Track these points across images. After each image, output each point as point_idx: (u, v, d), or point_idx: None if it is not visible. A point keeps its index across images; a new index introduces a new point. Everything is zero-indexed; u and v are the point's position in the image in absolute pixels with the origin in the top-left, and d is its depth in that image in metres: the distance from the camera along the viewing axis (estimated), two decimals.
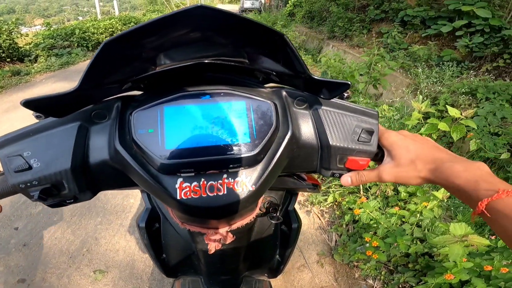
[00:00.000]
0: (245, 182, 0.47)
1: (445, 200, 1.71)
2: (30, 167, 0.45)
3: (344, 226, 2.14)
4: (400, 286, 1.65)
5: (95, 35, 8.98)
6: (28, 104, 0.38)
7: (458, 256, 1.23)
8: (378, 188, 2.12)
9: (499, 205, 0.39)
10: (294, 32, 8.69)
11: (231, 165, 0.47)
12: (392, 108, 2.89)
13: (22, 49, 7.53)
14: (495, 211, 0.39)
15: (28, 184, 0.46)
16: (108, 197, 2.57)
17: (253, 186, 0.48)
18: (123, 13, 13.85)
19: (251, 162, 0.47)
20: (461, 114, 1.85)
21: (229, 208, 0.48)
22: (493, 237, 1.44)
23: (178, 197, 0.46)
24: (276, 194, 0.85)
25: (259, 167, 0.48)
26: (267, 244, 0.90)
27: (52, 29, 8.35)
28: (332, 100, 0.55)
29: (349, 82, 0.46)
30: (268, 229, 0.87)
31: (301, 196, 2.56)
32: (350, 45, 6.58)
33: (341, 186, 2.41)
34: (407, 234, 1.62)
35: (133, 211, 2.44)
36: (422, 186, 2.03)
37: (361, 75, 3.40)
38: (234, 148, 0.47)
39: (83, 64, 7.55)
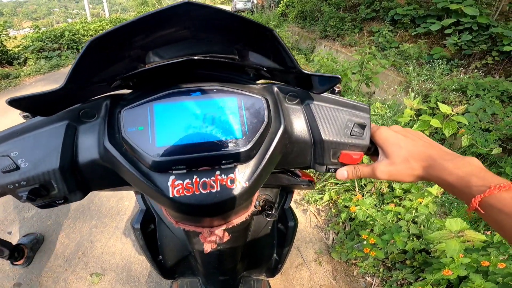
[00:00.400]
0: (238, 178, 0.47)
1: (439, 196, 1.73)
2: (17, 167, 0.44)
3: (340, 224, 2.15)
4: (399, 283, 1.67)
5: (85, 37, 8.87)
6: (14, 102, 0.38)
7: (455, 251, 1.25)
8: (374, 186, 2.14)
9: (492, 200, 0.39)
10: (286, 32, 8.71)
11: (223, 161, 0.46)
12: (384, 105, 2.92)
13: (11, 52, 7.41)
14: (489, 207, 0.39)
15: (16, 184, 0.45)
16: (102, 200, 2.54)
17: (247, 182, 0.47)
18: (114, 15, 13.73)
19: (244, 158, 0.47)
20: (452, 111, 1.87)
21: (222, 205, 0.48)
22: (488, 232, 1.46)
23: (170, 195, 0.45)
24: (271, 192, 0.85)
25: (252, 163, 0.48)
26: (264, 243, 0.90)
27: (41, 31, 8.22)
28: (323, 95, 0.55)
29: (339, 76, 0.46)
30: (264, 228, 0.86)
31: (297, 195, 2.57)
32: (342, 44, 6.62)
33: (336, 184, 2.42)
34: (404, 231, 1.63)
35: (128, 214, 2.42)
36: (416, 183, 2.05)
37: (353, 73, 3.43)
38: (226, 144, 0.46)
39: None
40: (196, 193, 0.46)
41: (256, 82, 0.56)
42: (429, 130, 1.98)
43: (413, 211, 1.72)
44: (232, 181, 0.47)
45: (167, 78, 0.52)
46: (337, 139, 0.53)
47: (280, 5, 11.74)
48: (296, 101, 0.55)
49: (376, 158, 0.59)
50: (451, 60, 4.40)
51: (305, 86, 0.53)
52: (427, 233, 1.60)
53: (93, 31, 9.31)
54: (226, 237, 0.63)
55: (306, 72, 0.46)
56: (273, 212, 0.76)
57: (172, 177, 0.46)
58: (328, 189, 2.39)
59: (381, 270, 1.78)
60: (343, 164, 0.56)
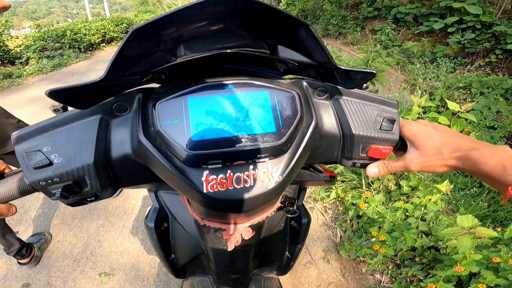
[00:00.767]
0: (271, 172, 0.47)
1: (449, 193, 1.73)
2: (50, 163, 0.43)
3: (348, 221, 2.16)
4: (408, 280, 1.67)
5: (87, 36, 8.86)
6: (53, 93, 0.37)
7: (467, 248, 1.25)
8: (381, 183, 2.14)
9: None
10: None
11: (258, 155, 0.46)
12: None
13: (13, 51, 7.40)
14: None
15: (49, 181, 0.44)
16: (109, 199, 2.54)
17: (280, 177, 0.47)
18: (114, 14, 13.71)
19: (278, 152, 0.47)
20: (460, 108, 1.88)
21: (255, 200, 0.47)
22: (498, 229, 1.46)
23: (204, 191, 0.45)
24: (290, 188, 0.85)
25: (285, 157, 0.48)
26: (277, 241, 0.89)
27: (42, 31, 8.22)
28: (351, 90, 0.55)
29: (375, 72, 0.47)
30: (277, 225, 0.86)
31: None
32: (344, 43, 6.62)
33: (343, 181, 2.42)
34: (413, 228, 1.64)
35: (135, 213, 2.42)
36: (424, 180, 2.05)
37: None
38: (261, 138, 0.46)
39: (76, 66, 7.45)
40: (230, 188, 0.45)
41: (283, 77, 0.56)
42: None
43: (422, 208, 1.72)
44: (266, 176, 0.46)
45: (196, 72, 0.52)
46: (367, 134, 0.53)
47: (281, 3, 11.71)
48: (325, 96, 0.55)
49: (401, 153, 0.59)
50: (455, 58, 4.40)
51: (333, 81, 0.53)
52: (437, 230, 1.61)
53: (95, 30, 9.30)
54: (250, 233, 0.63)
55: (342, 67, 0.46)
56: (294, 208, 0.76)
57: (206, 172, 0.45)
58: (335, 187, 2.39)
59: (390, 267, 1.78)
60: (371, 159, 0.56)
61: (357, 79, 0.49)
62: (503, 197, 0.43)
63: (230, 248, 0.63)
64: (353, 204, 2.13)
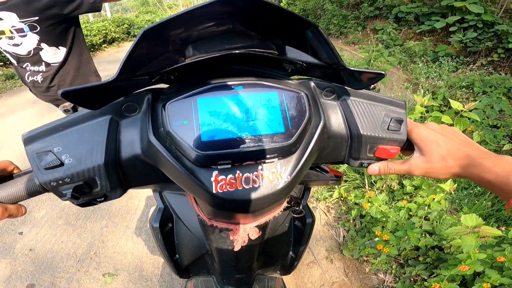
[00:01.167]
0: (280, 172, 0.47)
1: (452, 193, 1.73)
2: (62, 164, 0.43)
3: (351, 221, 2.16)
4: (412, 279, 1.67)
5: (89, 37, 8.87)
6: (66, 94, 0.37)
7: (471, 247, 1.25)
8: (384, 182, 2.14)
9: None
10: None
11: (267, 156, 0.46)
12: None
13: None
14: None
15: (60, 181, 0.44)
16: (112, 199, 2.55)
17: (288, 177, 0.47)
18: (116, 15, 13.73)
19: (287, 152, 0.47)
20: (464, 107, 1.87)
21: (264, 200, 0.47)
22: (503, 228, 1.46)
23: (214, 191, 0.45)
24: (295, 188, 0.85)
25: (294, 158, 0.48)
26: (281, 241, 0.89)
27: None
28: (358, 91, 0.55)
29: (384, 72, 0.47)
30: (282, 225, 0.86)
31: None
32: (346, 42, 6.61)
33: (346, 181, 2.42)
34: (417, 227, 1.64)
35: (138, 213, 2.43)
36: (427, 179, 2.05)
37: None
38: (270, 138, 0.46)
39: None
40: (239, 188, 0.46)
41: (291, 78, 0.56)
42: None
43: (426, 208, 1.72)
44: (275, 176, 0.47)
45: (205, 72, 0.52)
46: (375, 134, 0.53)
47: (281, 3, 11.71)
48: (332, 97, 0.56)
49: (408, 153, 0.60)
50: (457, 57, 4.39)
51: (341, 82, 0.53)
52: (440, 230, 1.60)
53: (96, 31, 9.31)
54: (257, 233, 0.63)
55: (351, 68, 0.46)
56: (300, 208, 0.76)
57: (215, 172, 0.45)
58: (338, 186, 2.39)
59: (393, 267, 1.78)
60: (378, 159, 0.56)
61: (365, 80, 0.49)
62: (506, 205, 0.44)
63: (237, 248, 0.63)
64: (356, 203, 2.13)
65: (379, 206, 1.77)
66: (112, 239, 2.19)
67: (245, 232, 0.62)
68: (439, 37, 5.09)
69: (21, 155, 3.14)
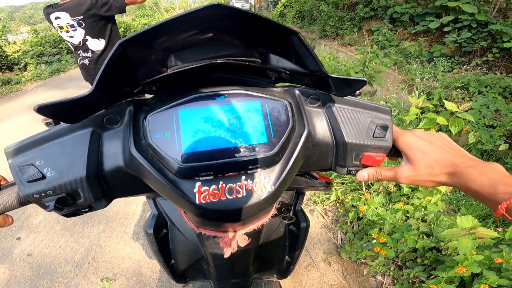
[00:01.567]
0: (264, 182, 0.47)
1: (448, 194, 1.74)
2: (43, 177, 0.44)
3: (348, 223, 2.16)
4: (410, 281, 1.67)
5: None
6: (41, 109, 0.37)
7: (467, 249, 1.25)
8: (381, 185, 2.15)
9: None
10: None
11: (250, 166, 0.46)
12: (388, 104, 2.93)
13: (11, 57, 7.40)
14: None
15: (43, 194, 0.44)
16: (110, 204, 2.54)
17: (272, 187, 0.47)
18: None
19: (270, 162, 0.47)
20: (458, 108, 1.88)
21: (249, 210, 0.47)
22: (500, 229, 1.47)
23: (197, 202, 0.45)
24: (286, 194, 0.85)
25: (277, 167, 0.48)
26: (276, 245, 0.89)
27: (40, 36, 8.21)
28: (344, 97, 0.55)
29: (365, 79, 0.47)
30: (276, 230, 0.87)
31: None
32: (342, 44, 6.64)
33: (343, 183, 2.43)
34: (414, 229, 1.64)
35: (136, 218, 2.42)
36: None
37: (356, 73, 3.43)
38: (252, 149, 0.46)
39: (74, 72, 7.44)
40: (222, 199, 0.46)
41: (276, 85, 0.56)
42: (435, 128, 1.99)
43: (422, 209, 1.72)
44: (258, 186, 0.47)
45: (188, 82, 0.52)
46: (360, 141, 0.53)
47: (278, 5, 11.74)
48: (317, 104, 0.55)
49: (395, 159, 0.60)
50: (452, 57, 4.42)
51: (326, 89, 0.53)
52: (438, 231, 1.61)
53: None
54: (246, 240, 0.63)
55: (332, 75, 0.46)
56: (290, 214, 0.77)
57: (198, 183, 0.45)
58: (335, 189, 2.39)
59: (391, 269, 1.78)
60: (365, 166, 0.56)
61: (348, 87, 0.49)
62: (494, 213, 0.44)
63: (227, 255, 0.63)
64: (353, 206, 2.14)
65: (376, 208, 1.77)
66: (110, 244, 2.18)
67: (234, 239, 0.62)
68: (434, 38, 5.12)
69: None
